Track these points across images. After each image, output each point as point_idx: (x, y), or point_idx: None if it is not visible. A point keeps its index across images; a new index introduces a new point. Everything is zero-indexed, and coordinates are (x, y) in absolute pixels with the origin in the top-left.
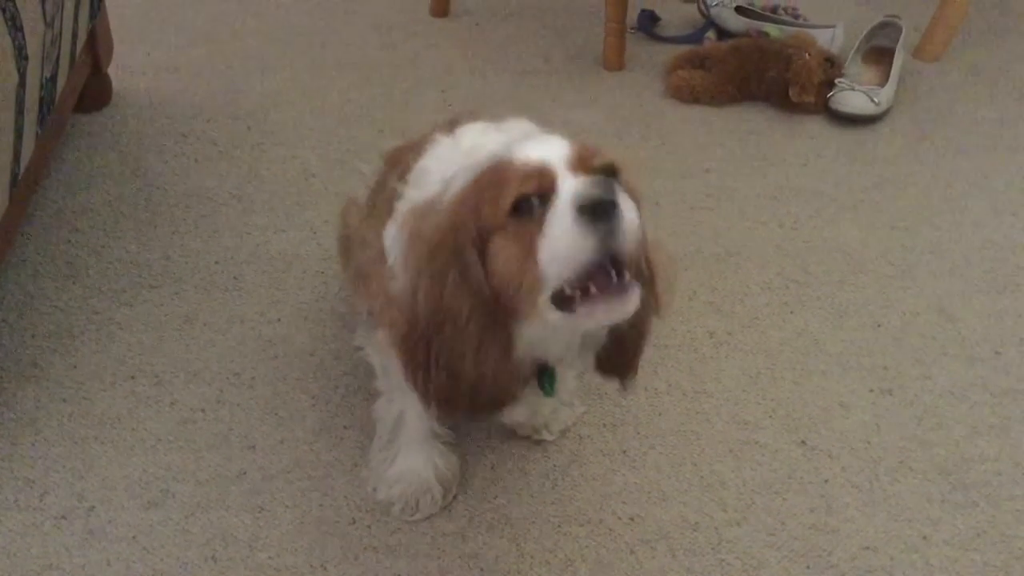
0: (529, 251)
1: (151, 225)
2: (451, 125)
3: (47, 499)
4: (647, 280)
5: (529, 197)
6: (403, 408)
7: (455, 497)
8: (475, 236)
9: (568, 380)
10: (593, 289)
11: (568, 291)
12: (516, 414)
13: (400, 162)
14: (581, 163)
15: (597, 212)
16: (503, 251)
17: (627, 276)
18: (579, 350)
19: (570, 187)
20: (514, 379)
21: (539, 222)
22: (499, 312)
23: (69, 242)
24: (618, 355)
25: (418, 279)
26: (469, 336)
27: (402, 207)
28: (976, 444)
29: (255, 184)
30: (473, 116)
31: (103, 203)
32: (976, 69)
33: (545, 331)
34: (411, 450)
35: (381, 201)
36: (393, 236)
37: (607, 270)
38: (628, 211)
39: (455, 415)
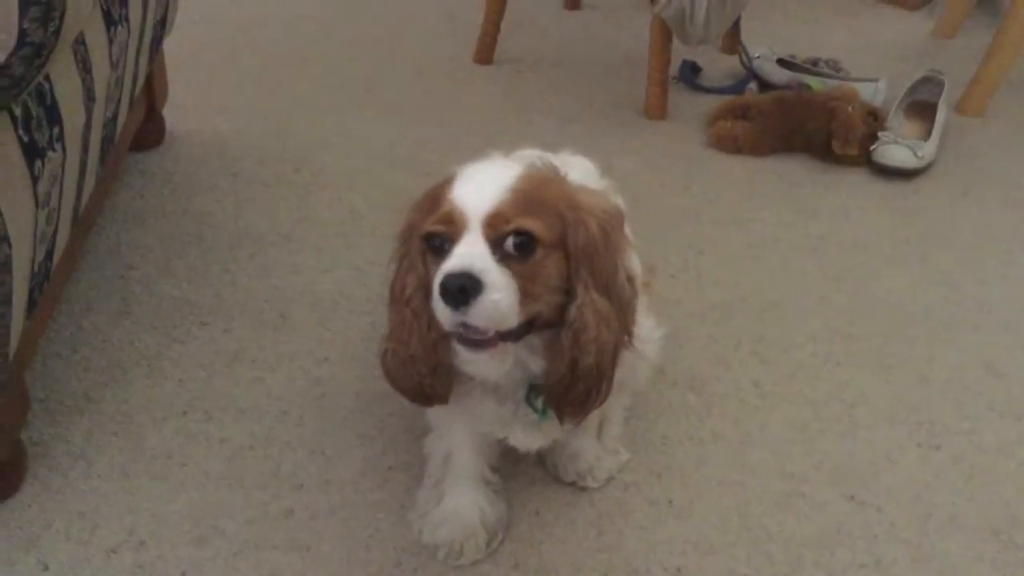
0: (432, 280)
1: (202, 263)
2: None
3: (98, 532)
4: (575, 330)
5: (437, 235)
6: (452, 446)
7: (501, 543)
8: (419, 238)
9: (613, 426)
10: (461, 333)
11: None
12: (529, 442)
13: None
14: (491, 225)
15: (450, 298)
16: (428, 266)
17: (485, 340)
18: (530, 371)
19: (449, 264)
20: (435, 370)
21: (442, 260)
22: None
23: (122, 278)
24: (559, 390)
25: (391, 267)
26: (406, 316)
27: None
28: None
29: (303, 225)
30: (532, 147)
31: (156, 240)
32: (1019, 123)
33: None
34: (458, 493)
35: None
36: None
37: (471, 328)
38: (489, 295)
39: (407, 398)
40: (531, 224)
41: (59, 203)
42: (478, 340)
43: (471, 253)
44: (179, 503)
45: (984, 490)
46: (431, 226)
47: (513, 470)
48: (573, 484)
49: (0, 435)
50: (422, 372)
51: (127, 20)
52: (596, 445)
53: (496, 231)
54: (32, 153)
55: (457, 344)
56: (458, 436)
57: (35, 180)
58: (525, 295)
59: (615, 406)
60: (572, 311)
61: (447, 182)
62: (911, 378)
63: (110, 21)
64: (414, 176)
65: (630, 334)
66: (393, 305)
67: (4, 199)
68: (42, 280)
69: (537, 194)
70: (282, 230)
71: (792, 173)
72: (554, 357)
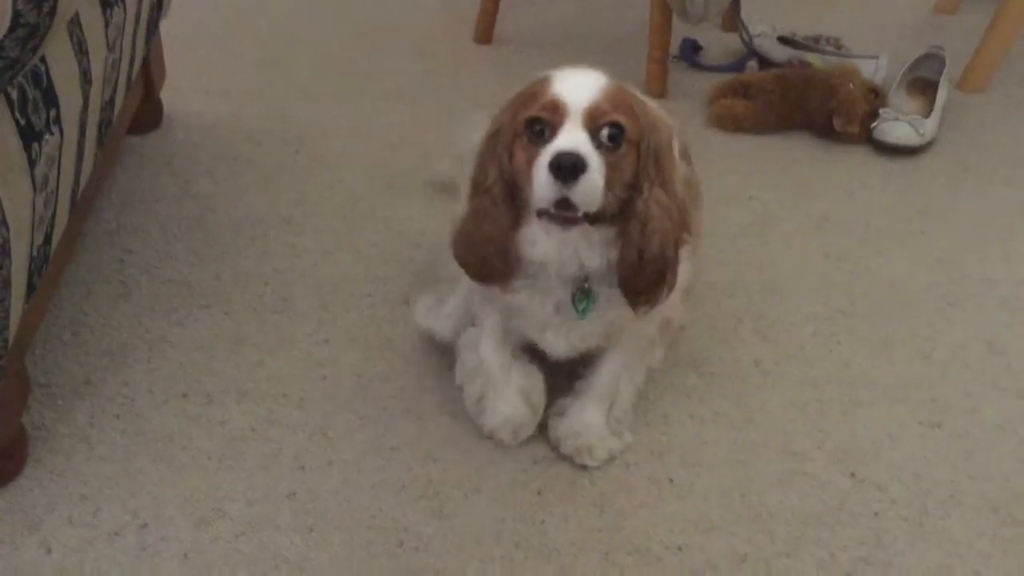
0: (530, 163)
1: (202, 246)
2: None
3: (100, 515)
4: (642, 220)
5: (541, 120)
6: (483, 353)
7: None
8: (510, 132)
9: (624, 405)
10: (553, 211)
11: (540, 206)
12: (558, 347)
13: None
14: (591, 116)
15: (560, 173)
16: (518, 153)
17: (575, 215)
18: (584, 267)
19: (558, 142)
20: (504, 251)
21: (542, 144)
22: (514, 192)
23: (122, 261)
24: (631, 277)
25: (475, 163)
26: (485, 202)
27: None
28: None
29: (303, 207)
30: None
31: (155, 224)
32: (1021, 100)
33: (539, 231)
34: (500, 385)
35: None
36: None
37: (564, 205)
38: (591, 175)
39: (471, 275)
40: (622, 119)
41: (57, 186)
42: (567, 217)
43: (577, 138)
44: (181, 485)
45: (984, 467)
46: (536, 112)
47: (515, 451)
48: (570, 460)
49: (1, 419)
50: (491, 252)
51: (123, 1)
52: (602, 424)
53: (595, 122)
54: (29, 136)
55: (545, 222)
56: (488, 340)
57: (32, 163)
58: (607, 183)
59: (629, 384)
60: (639, 204)
61: (540, 83)
62: (912, 356)
63: (106, 2)
64: (414, 158)
65: (688, 231)
66: (474, 193)
67: (1, 183)
68: (41, 264)
69: (622, 97)
70: (282, 213)
71: (793, 151)
72: (622, 248)
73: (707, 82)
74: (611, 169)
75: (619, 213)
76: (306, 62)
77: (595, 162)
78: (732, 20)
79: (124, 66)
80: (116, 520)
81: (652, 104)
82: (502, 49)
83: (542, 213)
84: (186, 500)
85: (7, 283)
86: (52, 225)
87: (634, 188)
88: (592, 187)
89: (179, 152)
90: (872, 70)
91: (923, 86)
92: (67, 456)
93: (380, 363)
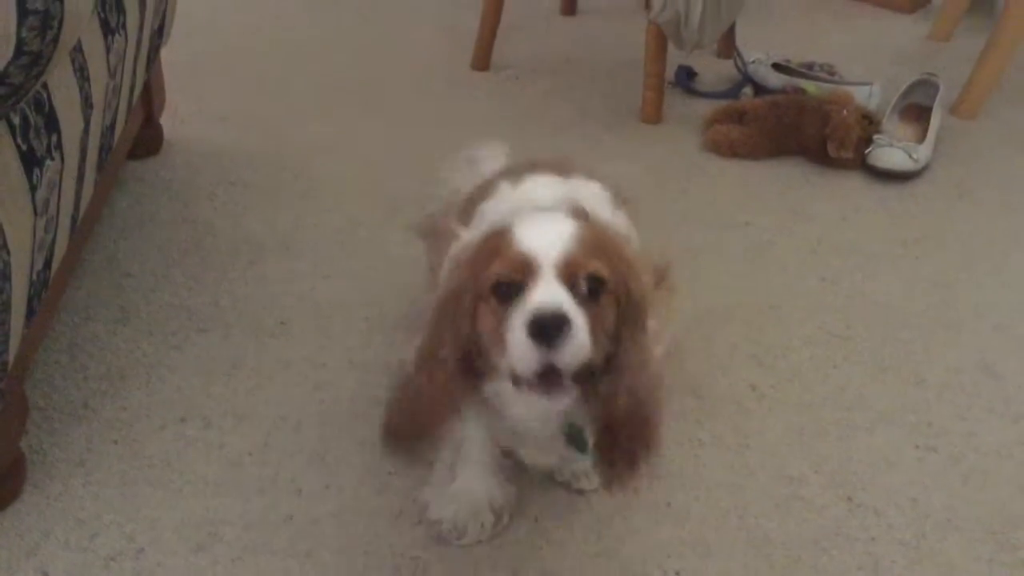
0: (500, 327)
1: (201, 270)
2: (518, 174)
3: (97, 540)
4: (628, 375)
5: (509, 280)
6: (468, 431)
7: (505, 528)
8: (472, 295)
9: None
10: (535, 381)
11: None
12: (538, 459)
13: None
14: (567, 267)
15: (542, 335)
16: (483, 317)
17: (563, 382)
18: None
19: (536, 300)
20: (443, 424)
21: (513, 304)
22: (473, 361)
23: (120, 286)
24: (617, 434)
25: (427, 330)
26: (438, 379)
27: (455, 247)
28: (1022, 504)
29: (301, 231)
30: (542, 167)
31: (154, 248)
32: (1014, 126)
33: (515, 395)
34: (471, 474)
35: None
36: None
37: (548, 372)
38: (576, 333)
39: (395, 438)
40: (602, 269)
41: (57, 211)
42: (555, 385)
43: (555, 293)
44: (178, 510)
45: (981, 491)
46: (501, 273)
47: (511, 475)
48: (567, 485)
49: (0, 443)
50: (431, 425)
51: (124, 28)
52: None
53: (571, 274)
54: (30, 161)
55: (526, 391)
56: (475, 422)
57: (33, 188)
58: (591, 338)
59: None
60: (621, 358)
61: (501, 235)
62: (908, 380)
63: (108, 30)
64: (411, 183)
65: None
66: (422, 364)
67: (2, 208)
68: (41, 288)
69: (598, 242)
70: (280, 237)
71: (788, 177)
72: (605, 403)
73: (702, 108)
74: (594, 322)
75: (603, 366)
76: (305, 87)
77: (580, 319)
78: (727, 47)
79: (125, 92)
80: (113, 545)
81: (629, 236)
82: (499, 76)
83: (521, 382)
84: (183, 524)
85: (7, 307)
86: (52, 249)
87: (616, 339)
88: (579, 347)
89: (178, 177)
90: (866, 96)
91: (917, 112)
92: (64, 480)
93: (378, 387)
